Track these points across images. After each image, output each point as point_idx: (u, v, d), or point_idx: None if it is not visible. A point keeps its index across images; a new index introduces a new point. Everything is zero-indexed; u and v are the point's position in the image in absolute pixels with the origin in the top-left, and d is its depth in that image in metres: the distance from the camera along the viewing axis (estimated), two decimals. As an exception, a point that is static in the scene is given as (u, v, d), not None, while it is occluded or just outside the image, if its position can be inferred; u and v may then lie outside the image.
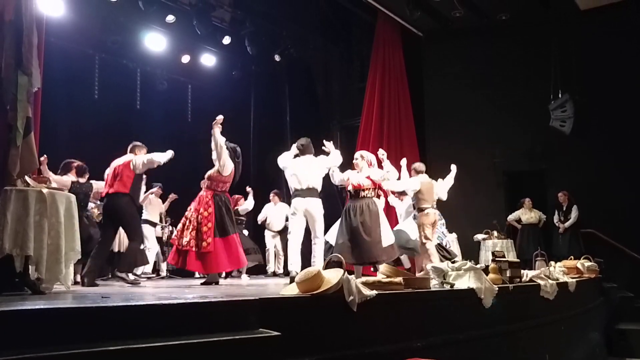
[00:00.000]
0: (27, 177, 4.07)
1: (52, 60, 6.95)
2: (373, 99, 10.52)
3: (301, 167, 5.96)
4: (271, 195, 9.93)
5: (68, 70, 8.85)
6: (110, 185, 5.99)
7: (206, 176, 6.22)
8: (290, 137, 11.91)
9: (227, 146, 6.29)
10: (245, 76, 12.29)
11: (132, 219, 6.05)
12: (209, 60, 11.52)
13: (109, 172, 6.12)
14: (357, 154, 6.63)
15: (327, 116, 12.45)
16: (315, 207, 5.90)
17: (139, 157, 6.03)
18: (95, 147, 5.97)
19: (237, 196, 8.75)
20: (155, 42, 10.33)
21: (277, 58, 11.62)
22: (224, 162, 6.10)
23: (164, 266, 8.97)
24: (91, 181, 6.81)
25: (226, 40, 10.85)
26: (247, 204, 9.03)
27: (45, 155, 6.04)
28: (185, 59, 11.07)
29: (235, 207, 8.50)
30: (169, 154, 6.06)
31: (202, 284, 6.14)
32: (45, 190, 3.90)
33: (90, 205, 8.15)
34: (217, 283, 5.98)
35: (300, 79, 12.53)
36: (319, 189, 6.04)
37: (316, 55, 12.60)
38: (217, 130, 6.00)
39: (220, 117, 6.04)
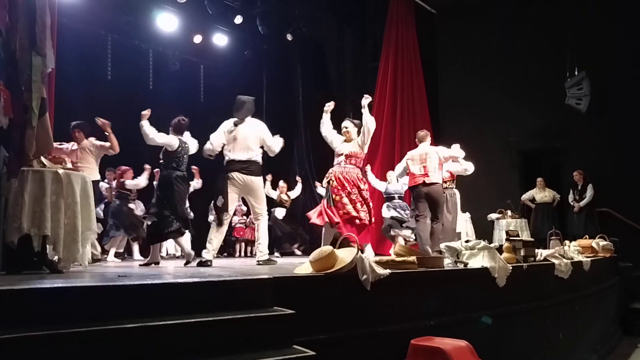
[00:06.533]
0: (42, 158, 4.11)
1: (65, 42, 6.94)
2: (386, 78, 10.42)
3: None
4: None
5: (81, 52, 8.88)
6: None
7: (352, 153, 5.95)
8: (302, 117, 11.88)
9: (355, 124, 6.18)
10: (257, 56, 12.21)
11: None
12: (220, 40, 11.48)
13: None
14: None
15: (340, 96, 12.36)
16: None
17: None
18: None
19: (123, 167, 8.05)
20: (167, 22, 10.30)
21: (289, 37, 11.53)
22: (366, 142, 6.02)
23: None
24: None
25: (238, 19, 10.77)
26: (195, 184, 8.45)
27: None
28: (197, 39, 11.04)
29: (122, 180, 7.98)
30: None
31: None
32: (61, 171, 3.93)
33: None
34: None
35: (313, 59, 12.42)
36: None
37: (328, 35, 12.47)
38: (365, 110, 5.89)
39: (331, 103, 6.11)
